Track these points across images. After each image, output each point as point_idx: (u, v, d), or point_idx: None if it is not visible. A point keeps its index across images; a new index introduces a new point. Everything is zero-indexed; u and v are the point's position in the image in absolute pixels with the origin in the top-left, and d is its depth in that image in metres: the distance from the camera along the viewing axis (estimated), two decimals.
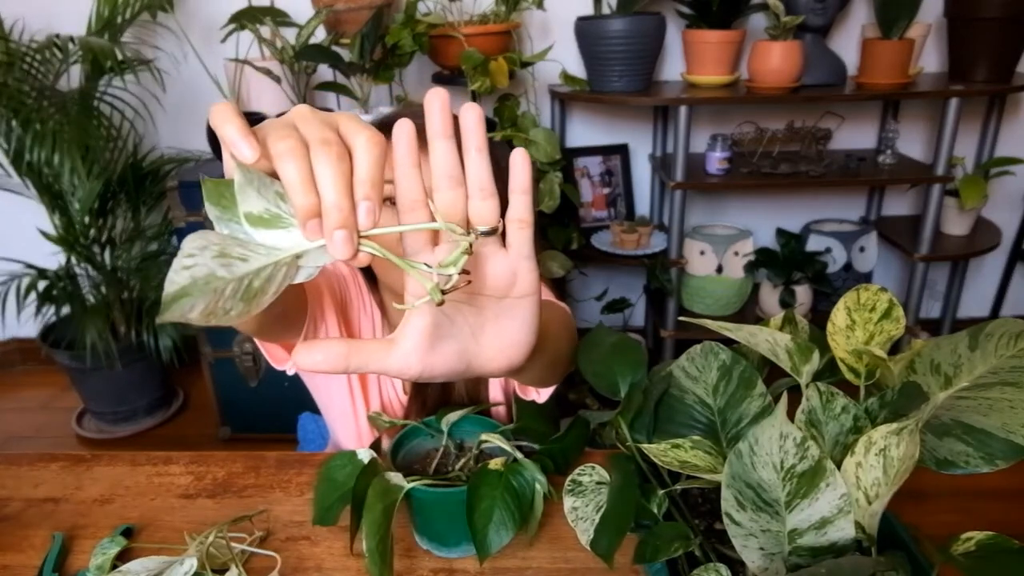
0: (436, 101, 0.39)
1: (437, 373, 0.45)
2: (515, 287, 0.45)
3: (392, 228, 0.39)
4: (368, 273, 0.97)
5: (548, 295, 0.87)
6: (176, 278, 0.34)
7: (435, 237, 0.43)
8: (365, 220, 0.37)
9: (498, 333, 0.46)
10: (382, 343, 0.44)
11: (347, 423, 0.99)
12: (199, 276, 0.34)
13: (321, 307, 0.89)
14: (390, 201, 0.67)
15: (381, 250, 0.37)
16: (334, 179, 0.36)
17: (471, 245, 0.39)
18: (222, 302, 0.35)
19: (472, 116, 0.40)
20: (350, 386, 0.97)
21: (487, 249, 0.43)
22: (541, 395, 0.84)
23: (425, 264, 0.39)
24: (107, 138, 2.01)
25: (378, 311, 0.97)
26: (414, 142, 0.40)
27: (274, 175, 0.38)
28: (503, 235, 0.43)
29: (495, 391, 0.98)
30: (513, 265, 0.44)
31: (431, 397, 0.96)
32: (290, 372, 0.89)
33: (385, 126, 0.59)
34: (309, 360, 0.41)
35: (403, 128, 0.40)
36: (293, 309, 0.81)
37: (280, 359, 0.88)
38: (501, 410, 0.99)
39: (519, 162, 0.42)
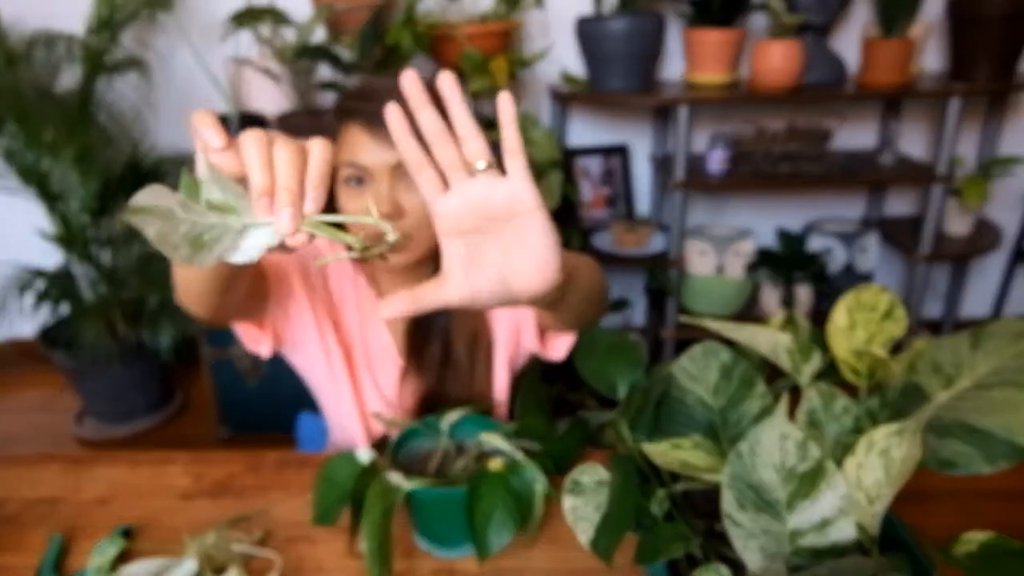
0: (409, 83, 0.50)
1: (483, 296, 0.55)
2: (520, 205, 0.52)
3: (329, 216, 0.48)
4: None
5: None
6: (143, 197, 0.43)
7: (445, 183, 0.53)
8: (311, 206, 0.47)
9: (524, 250, 0.53)
10: (435, 282, 0.55)
11: (335, 398, 1.00)
12: (161, 206, 0.44)
13: (287, 288, 0.92)
14: (356, 180, 0.83)
15: (321, 227, 0.47)
16: (288, 167, 0.46)
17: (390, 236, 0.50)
18: (174, 236, 0.44)
19: (447, 81, 0.50)
20: (329, 359, 0.97)
21: (490, 180, 0.52)
22: (559, 351, 0.95)
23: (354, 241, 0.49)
24: (106, 138, 2.01)
25: (363, 281, 0.98)
26: (407, 126, 0.51)
27: (242, 182, 0.48)
28: (500, 167, 0.52)
29: (500, 379, 0.98)
30: (513, 188, 0.52)
31: (428, 359, 0.97)
32: (264, 355, 0.93)
33: (339, 109, 0.82)
34: (390, 312, 0.54)
35: (395, 118, 0.51)
36: (254, 296, 0.86)
37: (253, 341, 0.92)
38: (501, 410, 0.99)
39: (505, 102, 0.50)
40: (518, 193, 0.52)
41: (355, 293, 0.98)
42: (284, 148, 0.47)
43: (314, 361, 0.97)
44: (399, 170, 0.82)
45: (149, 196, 0.43)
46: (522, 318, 0.97)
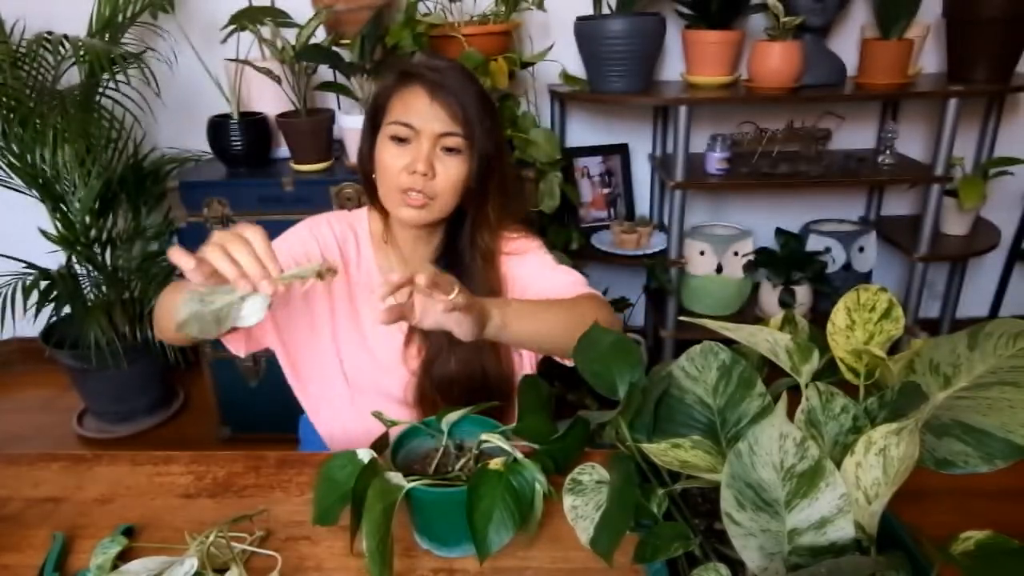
0: (423, 280, 0.70)
1: (465, 330, 0.77)
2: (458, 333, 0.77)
3: (289, 273, 0.71)
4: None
5: (576, 283, 0.99)
6: (180, 313, 0.69)
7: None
8: (275, 271, 0.69)
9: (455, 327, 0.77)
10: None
11: (332, 370, 1.04)
12: (192, 311, 0.69)
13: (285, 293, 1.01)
14: (399, 140, 0.95)
15: (288, 278, 0.71)
16: (244, 256, 0.68)
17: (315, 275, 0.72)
18: (206, 325, 0.69)
19: (423, 279, 0.70)
20: (334, 327, 1.04)
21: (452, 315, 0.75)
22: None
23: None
24: (107, 138, 2.01)
25: (370, 252, 1.06)
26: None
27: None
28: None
29: (525, 363, 1.05)
30: (452, 321, 0.76)
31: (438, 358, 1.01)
32: (242, 355, 1.03)
33: (402, 72, 0.96)
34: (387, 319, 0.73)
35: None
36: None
37: (236, 343, 1.00)
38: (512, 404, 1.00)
39: (437, 279, 0.71)
40: (455, 326, 0.77)
41: (367, 263, 1.05)
42: (233, 246, 0.68)
43: (320, 331, 1.04)
44: (442, 140, 0.92)
45: (185, 309, 0.69)
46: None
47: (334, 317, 1.03)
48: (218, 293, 0.69)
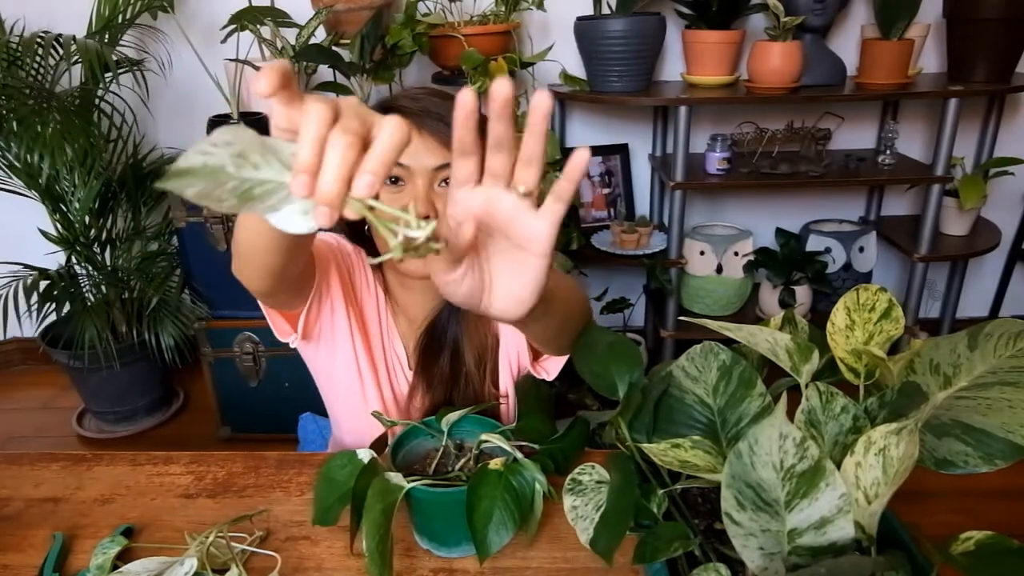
0: (501, 93, 0.45)
1: (459, 296, 0.54)
2: (533, 245, 0.50)
3: (372, 202, 0.42)
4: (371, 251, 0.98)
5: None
6: (190, 158, 0.38)
7: (480, 177, 0.50)
8: (363, 191, 0.41)
9: (510, 280, 0.53)
10: (437, 259, 0.52)
11: (353, 401, 0.99)
12: (210, 164, 0.38)
13: (328, 281, 0.92)
14: (392, 179, 0.84)
15: (366, 212, 0.42)
16: (340, 154, 0.40)
17: (432, 235, 0.44)
18: (219, 191, 0.39)
19: (541, 103, 0.46)
20: (356, 362, 0.97)
21: (523, 205, 0.50)
22: (550, 372, 0.92)
23: (399, 231, 0.44)
24: (107, 138, 2.01)
25: (381, 291, 0.99)
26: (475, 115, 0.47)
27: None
28: (538, 205, 0.50)
29: (504, 377, 0.99)
30: (537, 227, 0.50)
31: (438, 374, 0.97)
32: (292, 345, 0.93)
33: (383, 108, 0.75)
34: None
35: (468, 98, 0.46)
36: (303, 277, 0.85)
37: (283, 331, 0.92)
38: (508, 406, 0.99)
39: (578, 157, 0.48)
40: (538, 233, 0.50)
41: (375, 301, 0.99)
42: (342, 135, 0.40)
43: (341, 357, 0.97)
44: (438, 174, 0.84)
45: (199, 156, 0.38)
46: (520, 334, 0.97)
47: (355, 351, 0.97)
48: (267, 160, 0.41)
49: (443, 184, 0.85)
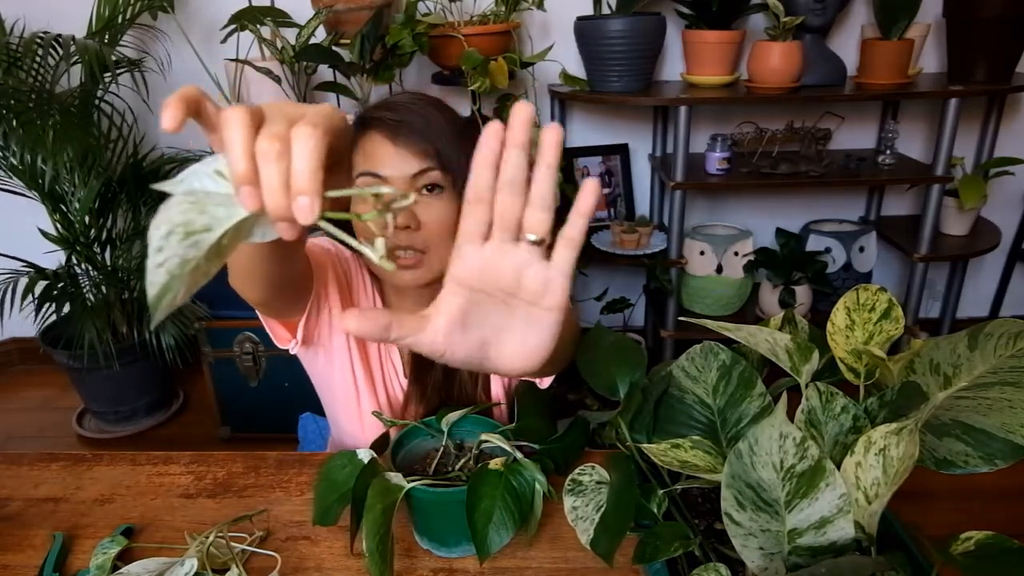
0: (521, 115, 0.43)
1: (457, 357, 0.48)
2: (545, 298, 0.47)
3: (340, 191, 0.40)
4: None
5: None
6: (155, 279, 0.35)
7: (488, 232, 0.46)
8: (307, 216, 0.37)
9: (520, 339, 0.49)
10: (417, 318, 0.46)
11: (350, 408, 0.99)
12: (174, 269, 0.35)
13: (326, 287, 0.91)
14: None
15: (332, 228, 0.39)
16: (271, 176, 0.37)
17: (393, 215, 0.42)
18: (199, 275, 0.37)
19: (553, 136, 0.43)
20: (352, 369, 0.97)
21: (531, 256, 0.46)
22: (543, 382, 0.90)
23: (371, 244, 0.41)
24: (107, 138, 2.01)
25: (379, 298, 0.99)
26: (499, 147, 0.44)
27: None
28: (549, 248, 0.46)
29: (496, 387, 0.98)
30: (550, 277, 0.46)
31: (432, 382, 0.97)
32: (292, 351, 0.92)
33: (360, 119, 0.75)
34: (357, 327, 0.43)
35: (492, 135, 0.44)
36: (299, 286, 0.84)
37: (282, 338, 0.91)
38: (501, 410, 0.99)
39: (589, 188, 0.44)
40: (550, 285, 0.46)
41: (372, 294, 0.99)
42: (268, 144, 0.37)
43: (338, 363, 0.97)
44: (418, 180, 0.83)
45: (158, 272, 0.35)
46: None
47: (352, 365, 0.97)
48: (213, 206, 0.38)
49: (425, 191, 0.84)
